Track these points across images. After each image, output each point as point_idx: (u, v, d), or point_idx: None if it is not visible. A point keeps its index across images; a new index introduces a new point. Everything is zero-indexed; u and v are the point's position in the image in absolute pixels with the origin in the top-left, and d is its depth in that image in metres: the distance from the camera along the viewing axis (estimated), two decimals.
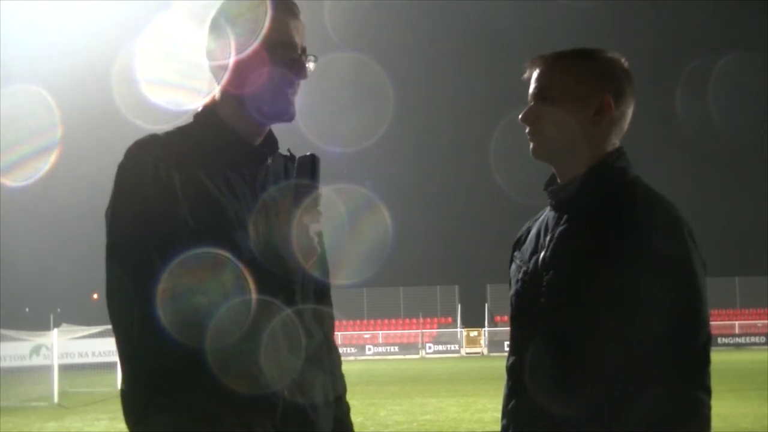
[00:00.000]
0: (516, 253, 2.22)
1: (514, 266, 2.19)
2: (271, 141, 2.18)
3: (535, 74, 2.13)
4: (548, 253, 2.05)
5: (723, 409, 13.53)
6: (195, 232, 1.96)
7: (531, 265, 2.10)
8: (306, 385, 2.06)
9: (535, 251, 2.11)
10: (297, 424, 2.02)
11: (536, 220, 2.22)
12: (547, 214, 2.17)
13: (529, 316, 2.07)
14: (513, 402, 2.12)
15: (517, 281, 2.14)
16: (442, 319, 55.04)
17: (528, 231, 2.22)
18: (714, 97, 55.10)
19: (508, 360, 2.16)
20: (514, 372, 2.12)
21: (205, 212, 1.98)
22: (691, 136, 58.46)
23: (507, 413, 2.14)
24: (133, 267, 1.93)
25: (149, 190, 1.97)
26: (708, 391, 1.96)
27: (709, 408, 1.95)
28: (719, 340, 46.29)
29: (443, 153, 63.55)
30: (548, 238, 2.08)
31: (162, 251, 1.92)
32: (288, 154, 2.21)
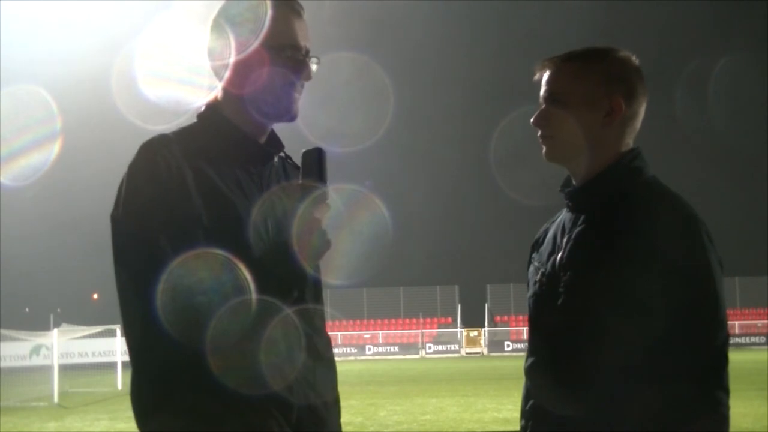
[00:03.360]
0: (534, 255, 2.22)
1: (532, 268, 2.19)
2: (275, 140, 2.19)
3: (546, 77, 2.12)
4: (565, 254, 2.05)
5: None
6: (208, 231, 1.96)
7: (549, 266, 2.10)
8: (318, 383, 2.08)
9: (553, 253, 2.11)
10: (311, 423, 2.04)
11: (554, 222, 2.22)
12: (564, 215, 2.16)
13: (547, 318, 2.06)
14: (531, 402, 2.12)
15: (535, 283, 2.14)
16: (442, 319, 55.02)
17: (546, 232, 2.22)
18: (714, 97, 55.12)
19: (526, 361, 2.16)
20: (532, 373, 2.13)
21: (217, 210, 1.99)
22: (691, 136, 58.45)
23: (525, 413, 2.14)
24: (148, 267, 1.91)
25: (163, 188, 1.96)
26: (726, 391, 1.96)
27: (727, 407, 1.95)
28: None
29: (443, 153, 63.53)
30: (565, 239, 2.08)
31: (176, 251, 1.91)
32: (283, 155, 2.22)
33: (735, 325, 49.35)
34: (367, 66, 47.99)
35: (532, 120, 2.12)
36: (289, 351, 2.01)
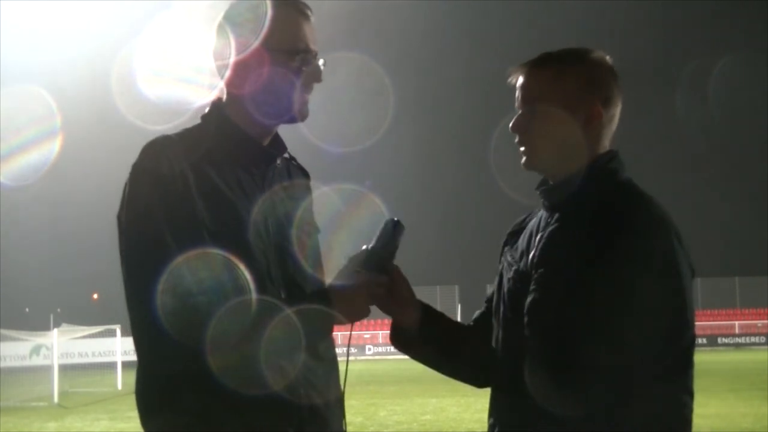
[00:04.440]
0: (506, 249, 2.22)
1: (505, 264, 2.19)
2: (278, 142, 2.19)
3: (522, 80, 2.11)
4: (537, 253, 2.06)
5: (723, 409, 13.52)
6: (211, 232, 1.97)
7: (521, 264, 2.11)
8: (321, 384, 2.09)
9: (527, 250, 2.11)
10: (314, 423, 2.05)
11: (529, 219, 2.23)
12: (539, 213, 2.17)
13: (518, 316, 2.06)
14: (499, 401, 2.13)
15: (509, 280, 2.15)
16: None
17: (520, 229, 2.23)
18: (714, 97, 55.13)
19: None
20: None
21: (219, 212, 2.00)
22: (691, 136, 58.48)
23: (493, 412, 2.15)
24: (152, 268, 1.93)
25: (165, 189, 1.97)
26: (690, 394, 1.98)
27: (691, 410, 1.98)
28: (719, 340, 46.31)
29: (443, 153, 63.58)
30: (538, 237, 2.09)
31: (180, 251, 1.92)
32: (288, 156, 2.23)
33: (735, 325, 49.33)
34: (367, 66, 48.00)
35: (510, 126, 2.11)
36: (290, 351, 2.01)
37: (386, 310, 2.18)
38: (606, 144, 2.11)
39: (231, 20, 2.10)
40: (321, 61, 2.12)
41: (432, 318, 2.24)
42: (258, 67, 2.07)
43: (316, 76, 2.12)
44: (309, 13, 2.12)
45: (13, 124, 46.61)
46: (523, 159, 2.12)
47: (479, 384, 2.29)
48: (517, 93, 2.12)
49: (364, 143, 46.33)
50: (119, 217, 2.03)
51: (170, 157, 2.00)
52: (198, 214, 1.97)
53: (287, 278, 2.06)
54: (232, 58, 2.08)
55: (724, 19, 58.96)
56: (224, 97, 2.15)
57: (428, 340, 2.21)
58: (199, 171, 2.01)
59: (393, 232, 2.13)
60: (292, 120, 2.14)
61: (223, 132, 2.11)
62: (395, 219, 2.15)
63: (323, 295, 2.10)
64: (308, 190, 2.27)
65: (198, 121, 2.17)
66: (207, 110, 2.17)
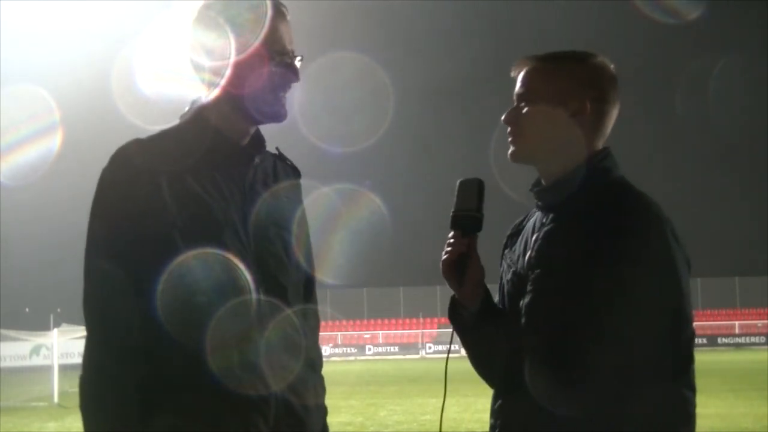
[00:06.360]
0: (506, 252, 2.23)
1: (504, 265, 2.20)
2: (258, 140, 2.18)
3: (521, 75, 2.13)
4: (533, 253, 2.06)
5: (723, 409, 13.53)
6: (183, 234, 1.97)
7: (519, 265, 2.11)
8: (300, 385, 2.07)
9: (524, 251, 2.12)
10: (289, 424, 2.03)
11: (526, 220, 2.23)
12: (536, 214, 2.18)
13: (518, 317, 2.06)
14: (500, 401, 2.13)
15: (507, 281, 2.15)
16: (442, 319, 55.02)
17: (518, 230, 2.23)
18: (715, 96, 55.12)
19: None
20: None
21: (192, 214, 2.00)
22: (691, 136, 58.49)
23: (495, 412, 2.15)
24: (107, 271, 1.96)
25: (130, 193, 1.99)
26: (693, 389, 1.99)
27: (694, 406, 1.98)
28: (719, 340, 46.36)
29: (443, 153, 63.57)
30: (534, 237, 2.09)
31: (143, 254, 1.95)
32: (277, 153, 2.22)
33: (735, 325, 49.36)
34: (367, 66, 47.97)
35: (502, 118, 2.13)
36: (271, 353, 2.01)
37: (456, 279, 2.12)
38: (599, 144, 2.11)
39: (230, 20, 2.08)
40: (298, 58, 2.12)
41: (491, 300, 2.17)
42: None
43: (297, 76, 2.12)
44: (285, 12, 2.12)
45: (12, 123, 46.63)
46: (510, 150, 2.13)
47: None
48: (515, 87, 2.14)
49: (364, 143, 46.31)
50: None
51: (139, 160, 2.01)
52: (166, 217, 1.98)
53: (269, 278, 2.05)
54: (232, 59, 2.08)
55: (725, 19, 58.97)
56: (207, 97, 2.13)
57: (486, 320, 2.12)
58: (170, 174, 2.01)
59: (479, 191, 2.10)
60: (282, 119, 2.13)
61: (199, 134, 2.10)
62: (478, 179, 2.11)
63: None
64: (297, 188, 2.24)
65: (177, 122, 2.15)
66: (186, 111, 2.16)
